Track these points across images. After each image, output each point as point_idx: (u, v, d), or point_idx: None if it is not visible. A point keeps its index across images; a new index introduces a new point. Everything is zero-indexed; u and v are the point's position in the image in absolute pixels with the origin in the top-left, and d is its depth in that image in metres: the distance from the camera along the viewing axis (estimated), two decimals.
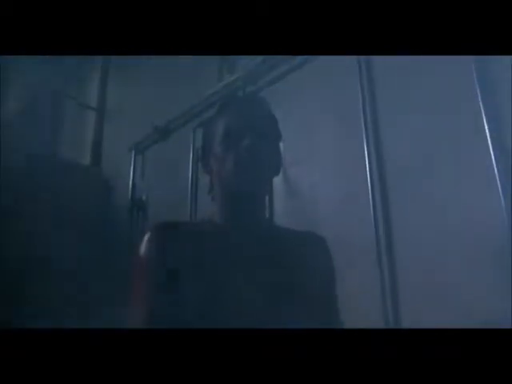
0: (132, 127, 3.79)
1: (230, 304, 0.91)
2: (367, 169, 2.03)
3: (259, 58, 2.70)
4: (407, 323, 1.75)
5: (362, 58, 2.19)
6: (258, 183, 1.03)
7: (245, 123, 1.03)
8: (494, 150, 1.62)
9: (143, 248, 0.98)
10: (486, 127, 1.65)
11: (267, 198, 1.13)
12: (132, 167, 3.67)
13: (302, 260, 1.03)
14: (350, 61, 2.18)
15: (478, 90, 1.71)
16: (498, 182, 1.58)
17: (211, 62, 3.09)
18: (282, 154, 1.14)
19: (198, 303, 0.90)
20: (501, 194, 1.56)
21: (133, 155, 3.69)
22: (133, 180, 3.64)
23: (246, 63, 2.80)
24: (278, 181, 2.24)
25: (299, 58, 2.47)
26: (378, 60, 2.12)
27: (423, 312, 1.69)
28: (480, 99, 1.69)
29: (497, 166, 1.59)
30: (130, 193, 3.59)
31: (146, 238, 0.99)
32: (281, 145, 1.15)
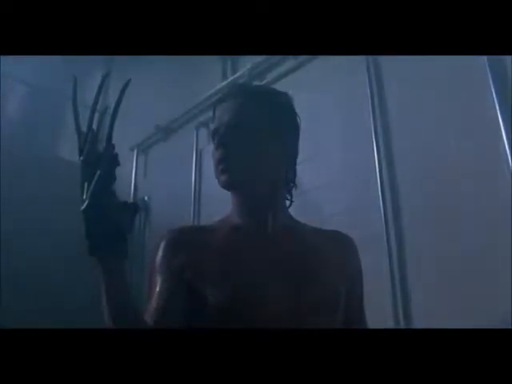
0: (134, 127, 3.79)
1: (252, 304, 0.89)
2: (376, 168, 2.03)
3: (263, 55, 2.70)
4: (418, 323, 1.75)
5: (371, 56, 2.19)
6: (242, 182, 1.00)
7: (226, 119, 1.00)
8: (508, 146, 1.61)
9: (157, 253, 0.97)
10: (502, 124, 1.64)
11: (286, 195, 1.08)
12: (134, 167, 3.67)
13: (327, 258, 1.00)
14: (358, 58, 2.18)
15: (493, 89, 1.69)
16: None
17: (214, 60, 3.09)
18: (284, 152, 1.05)
19: (218, 305, 0.90)
20: None
21: (135, 155, 3.69)
22: (135, 180, 3.64)
23: (250, 60, 2.81)
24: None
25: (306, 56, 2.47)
26: (386, 58, 2.12)
27: (435, 312, 1.69)
28: (495, 97, 1.68)
29: None
30: (132, 193, 3.60)
31: (161, 243, 0.98)
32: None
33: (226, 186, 0.99)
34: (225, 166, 0.98)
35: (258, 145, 1.01)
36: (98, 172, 0.79)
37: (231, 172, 0.98)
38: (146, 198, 3.50)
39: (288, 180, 1.06)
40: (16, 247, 3.11)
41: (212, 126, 1.05)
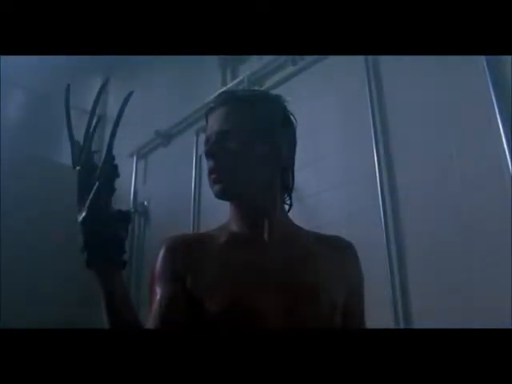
0: (134, 132, 3.80)
1: (251, 311, 0.89)
2: (376, 171, 2.02)
3: (263, 61, 2.71)
4: (418, 323, 1.75)
5: (370, 58, 2.20)
6: (235, 190, 0.99)
7: (216, 128, 0.99)
8: (507, 146, 1.61)
9: (158, 260, 0.97)
10: (501, 125, 1.64)
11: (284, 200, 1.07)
12: (134, 172, 3.66)
13: (327, 264, 0.99)
14: (358, 58, 2.19)
15: (492, 90, 1.70)
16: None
17: (214, 65, 3.10)
18: (278, 155, 1.02)
19: (215, 312, 0.89)
20: None
21: (134, 160, 3.69)
22: (135, 185, 3.64)
23: (250, 66, 2.81)
24: None
25: (306, 60, 2.48)
26: (386, 58, 2.12)
27: (434, 313, 1.69)
28: (494, 99, 1.68)
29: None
30: (131, 198, 3.59)
31: (161, 250, 0.97)
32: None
33: (220, 195, 0.98)
34: (217, 175, 0.97)
35: (250, 151, 0.99)
36: (97, 183, 0.78)
37: (224, 181, 0.97)
38: (145, 203, 3.50)
39: (285, 184, 1.04)
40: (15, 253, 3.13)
41: (204, 136, 1.04)
